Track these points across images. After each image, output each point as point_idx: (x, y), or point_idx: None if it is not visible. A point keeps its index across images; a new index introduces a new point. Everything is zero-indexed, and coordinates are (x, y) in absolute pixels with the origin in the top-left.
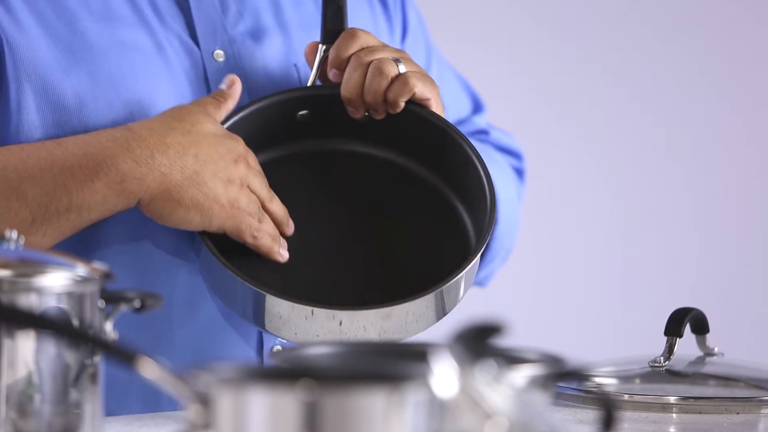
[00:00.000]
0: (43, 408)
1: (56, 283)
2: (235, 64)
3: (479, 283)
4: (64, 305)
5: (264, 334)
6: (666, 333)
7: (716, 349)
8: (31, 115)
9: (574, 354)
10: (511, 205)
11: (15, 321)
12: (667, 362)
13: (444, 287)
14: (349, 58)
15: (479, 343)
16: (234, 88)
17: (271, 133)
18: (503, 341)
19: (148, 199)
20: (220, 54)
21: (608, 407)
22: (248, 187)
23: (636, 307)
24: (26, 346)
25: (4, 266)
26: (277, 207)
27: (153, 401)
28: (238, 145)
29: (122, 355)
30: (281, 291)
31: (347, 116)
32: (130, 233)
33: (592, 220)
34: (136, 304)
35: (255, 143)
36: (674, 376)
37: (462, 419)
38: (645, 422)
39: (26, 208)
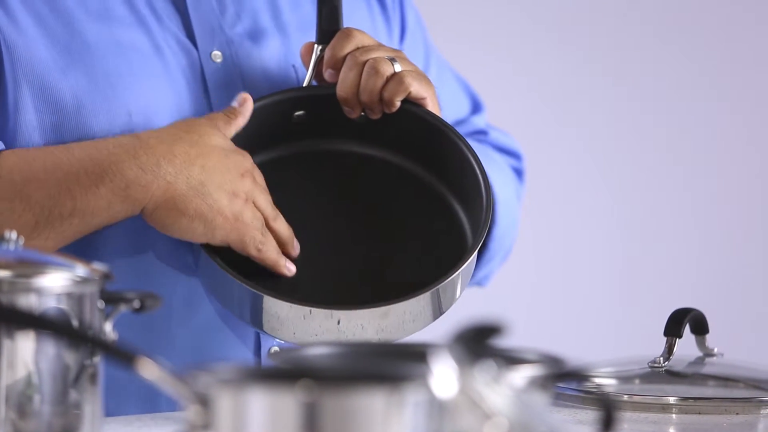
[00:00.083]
0: (42, 408)
1: (56, 284)
2: (232, 65)
3: (478, 283)
4: (63, 306)
5: (261, 336)
6: (665, 333)
7: (716, 350)
8: (28, 116)
9: (573, 354)
10: (510, 205)
11: (15, 321)
12: (666, 363)
13: (440, 286)
14: (344, 58)
15: (479, 343)
16: (245, 106)
17: (267, 134)
18: (503, 341)
19: (152, 207)
20: (217, 55)
21: (608, 408)
22: (253, 202)
23: (635, 308)
24: (26, 346)
25: (4, 267)
26: (282, 226)
27: (150, 402)
28: (246, 161)
29: (122, 355)
30: (278, 291)
31: (344, 116)
32: (129, 235)
33: (592, 220)
34: (136, 304)
35: (252, 144)
36: (674, 376)
37: (461, 420)
38: (644, 423)
39: (30, 211)
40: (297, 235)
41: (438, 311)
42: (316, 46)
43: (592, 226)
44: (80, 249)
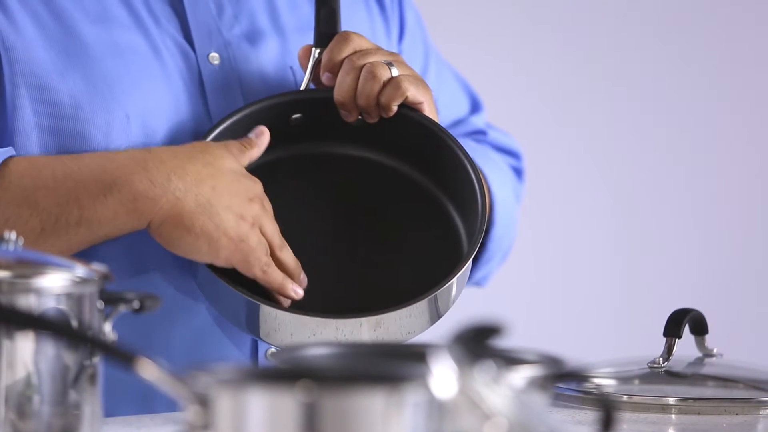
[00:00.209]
0: (42, 409)
1: (55, 284)
2: (230, 67)
3: (477, 284)
4: (63, 306)
5: (257, 340)
6: (665, 334)
7: (715, 350)
8: (26, 117)
9: (573, 355)
10: (508, 205)
11: (14, 322)
12: (666, 363)
13: (436, 293)
14: (342, 62)
15: (478, 343)
16: (262, 139)
17: None
18: (502, 342)
19: (159, 221)
20: (215, 57)
21: (607, 408)
22: (260, 229)
23: (635, 308)
24: (25, 347)
25: (4, 267)
26: (289, 257)
27: (146, 402)
28: (256, 187)
29: (121, 356)
30: (273, 298)
31: (340, 119)
32: (127, 236)
33: (592, 220)
34: (135, 305)
35: None
36: (673, 377)
37: (461, 420)
38: (644, 423)
39: (36, 217)
40: (292, 238)
41: (435, 316)
42: (313, 49)
43: (591, 226)
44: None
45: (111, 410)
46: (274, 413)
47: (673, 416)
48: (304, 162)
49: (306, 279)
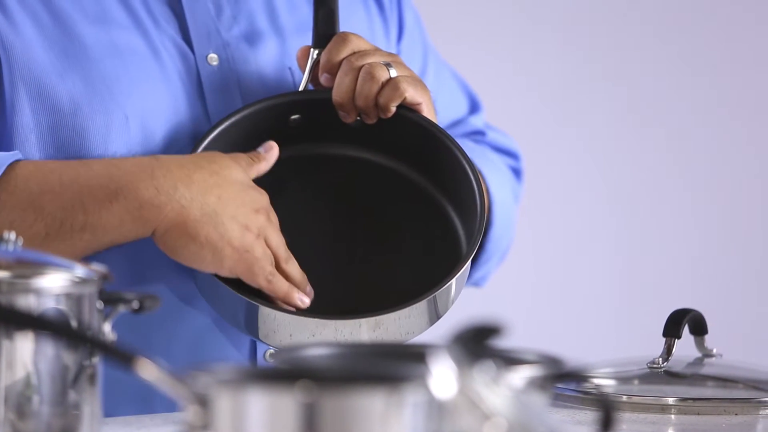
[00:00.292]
0: (41, 409)
1: (55, 285)
2: (229, 68)
3: (476, 284)
4: (62, 306)
5: (256, 341)
6: (664, 334)
7: (715, 350)
8: (25, 118)
9: (572, 355)
10: (507, 206)
11: (13, 322)
12: (665, 363)
13: (436, 294)
14: (340, 63)
15: (478, 344)
16: (271, 154)
17: (262, 138)
18: (502, 342)
19: (163, 229)
20: (214, 58)
21: (607, 408)
22: (265, 240)
23: (635, 308)
24: (25, 347)
25: (3, 267)
26: (295, 269)
27: (145, 403)
28: (263, 198)
29: (121, 356)
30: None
31: (339, 120)
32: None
33: (592, 220)
34: (135, 305)
35: (247, 147)
36: (673, 377)
37: (460, 420)
38: (643, 423)
39: (41, 221)
40: (291, 239)
41: (435, 317)
42: (312, 50)
43: (591, 227)
44: None
45: (110, 410)
46: (274, 413)
47: (673, 416)
48: (302, 163)
49: (312, 291)
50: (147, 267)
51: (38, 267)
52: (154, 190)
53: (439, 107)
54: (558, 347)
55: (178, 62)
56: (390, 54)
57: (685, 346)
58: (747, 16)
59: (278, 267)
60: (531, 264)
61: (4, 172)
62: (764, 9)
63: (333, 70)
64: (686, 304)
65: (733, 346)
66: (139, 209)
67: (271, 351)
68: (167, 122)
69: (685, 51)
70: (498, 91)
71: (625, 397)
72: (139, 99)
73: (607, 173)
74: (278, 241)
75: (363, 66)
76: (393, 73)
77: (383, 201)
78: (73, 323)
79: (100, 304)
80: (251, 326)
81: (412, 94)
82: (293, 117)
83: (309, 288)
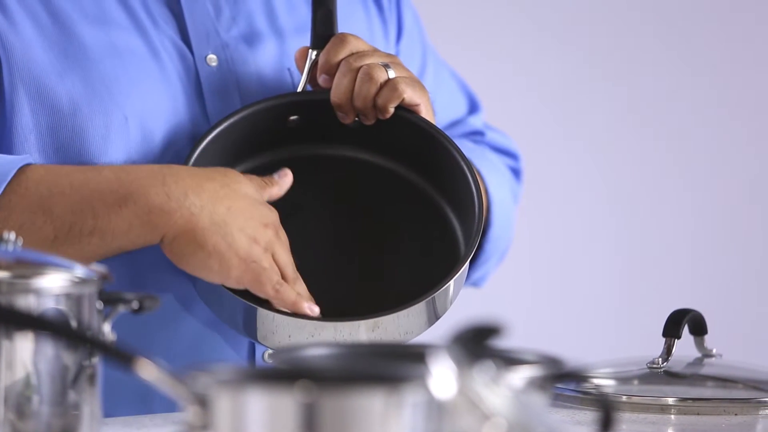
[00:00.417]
0: (41, 409)
1: (54, 285)
2: (228, 69)
3: (474, 284)
4: (62, 306)
5: (255, 343)
6: (664, 334)
7: (714, 351)
8: (24, 118)
9: (572, 355)
10: (506, 206)
11: (13, 322)
12: (665, 363)
13: (434, 295)
14: (338, 64)
15: (477, 344)
16: (284, 180)
17: (261, 139)
18: (501, 342)
19: (172, 236)
20: (212, 58)
21: (606, 408)
22: (273, 256)
23: (634, 309)
24: (24, 347)
25: (3, 267)
26: (302, 291)
27: (144, 403)
28: (272, 215)
29: (120, 356)
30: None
31: (337, 121)
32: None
33: (592, 220)
34: (135, 305)
35: (246, 148)
36: (672, 377)
37: (460, 420)
38: (643, 423)
39: (50, 225)
40: (290, 240)
41: (433, 317)
42: (310, 51)
43: (591, 227)
44: None
45: (110, 411)
46: (274, 414)
47: (673, 416)
48: (301, 164)
49: (317, 311)
50: (146, 271)
51: (38, 267)
52: (165, 196)
53: (438, 107)
54: (558, 347)
55: (177, 63)
56: (388, 55)
57: (685, 346)
58: (747, 16)
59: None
60: (530, 264)
61: (15, 175)
62: (764, 9)
63: (331, 71)
64: (686, 304)
65: (732, 346)
66: (149, 214)
67: (270, 352)
68: (166, 123)
69: (685, 51)
70: (498, 91)
71: (624, 397)
72: (138, 99)
73: (607, 173)
74: (287, 259)
75: (361, 67)
76: (391, 74)
77: (382, 202)
78: (73, 323)
79: (99, 305)
80: (250, 328)
81: (410, 95)
82: (292, 118)
83: (316, 308)
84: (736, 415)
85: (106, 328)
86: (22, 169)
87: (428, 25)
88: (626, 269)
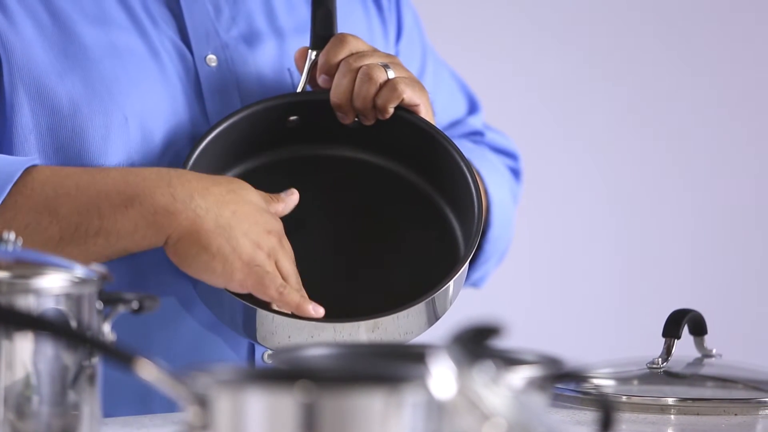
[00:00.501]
0: (41, 409)
1: (54, 285)
2: (227, 69)
3: (474, 285)
4: (62, 307)
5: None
6: (664, 334)
7: (714, 351)
8: (24, 118)
9: (572, 355)
10: (505, 206)
11: (13, 322)
12: (665, 363)
13: (434, 296)
14: (338, 64)
15: (477, 344)
16: (291, 199)
17: (261, 139)
18: (501, 342)
19: (176, 237)
20: (212, 59)
21: (606, 408)
22: (276, 263)
23: (634, 309)
24: (24, 347)
25: (3, 268)
26: (305, 296)
27: (143, 403)
28: (277, 224)
29: (120, 356)
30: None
31: (337, 122)
32: None
33: (591, 220)
34: (134, 305)
35: (245, 148)
36: (672, 377)
37: (460, 420)
38: (643, 423)
39: (56, 225)
40: (290, 240)
41: (433, 318)
42: (310, 51)
43: (591, 227)
44: None
45: (110, 411)
46: (273, 414)
47: (672, 417)
48: (300, 164)
49: (323, 310)
50: (147, 272)
51: (38, 267)
52: (171, 198)
53: (438, 108)
54: (557, 347)
55: (177, 63)
56: (388, 55)
57: (685, 346)
58: (747, 16)
59: None
60: (530, 264)
61: (21, 176)
62: (764, 9)
63: (331, 71)
64: (686, 304)
65: (732, 347)
66: (154, 215)
67: (269, 352)
68: (166, 123)
69: (685, 51)
70: (498, 91)
71: (624, 397)
72: (138, 100)
73: (607, 173)
74: (290, 269)
75: (361, 67)
76: (391, 74)
77: (381, 202)
78: (73, 323)
79: (99, 305)
80: (249, 329)
81: (410, 95)
82: (291, 118)
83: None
84: (736, 415)
85: (106, 329)
86: (28, 170)
87: (428, 25)
88: (626, 269)
